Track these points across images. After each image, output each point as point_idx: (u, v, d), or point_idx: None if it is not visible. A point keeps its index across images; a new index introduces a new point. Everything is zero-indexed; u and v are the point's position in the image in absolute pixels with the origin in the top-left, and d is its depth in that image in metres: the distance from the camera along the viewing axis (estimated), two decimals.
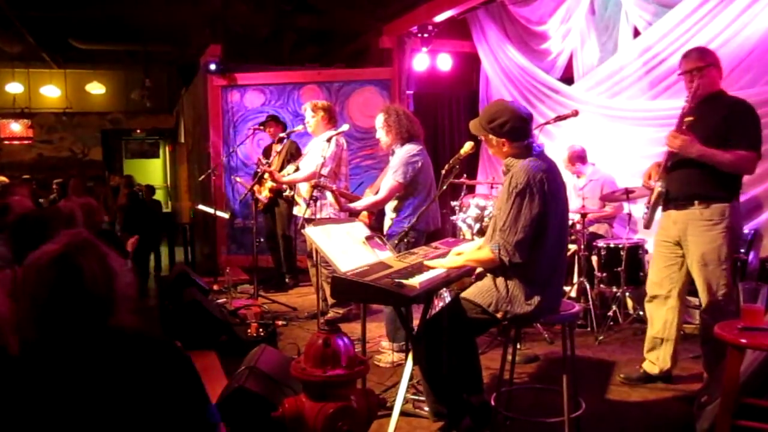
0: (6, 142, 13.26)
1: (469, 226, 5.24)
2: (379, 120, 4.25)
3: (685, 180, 3.42)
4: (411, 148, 4.16)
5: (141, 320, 1.76)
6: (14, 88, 12.70)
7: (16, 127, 13.17)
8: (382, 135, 4.26)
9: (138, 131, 15.06)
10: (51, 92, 13.01)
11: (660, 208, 3.62)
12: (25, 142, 13.40)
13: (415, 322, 3.38)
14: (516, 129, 2.79)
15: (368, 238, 3.47)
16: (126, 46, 10.77)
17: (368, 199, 4.52)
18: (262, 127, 6.58)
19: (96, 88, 13.08)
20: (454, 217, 5.55)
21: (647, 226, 3.74)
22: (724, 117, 3.35)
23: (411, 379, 3.15)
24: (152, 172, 16.00)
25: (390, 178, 4.16)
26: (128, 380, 1.58)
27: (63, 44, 10.27)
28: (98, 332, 1.63)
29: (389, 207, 4.28)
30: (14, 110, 13.07)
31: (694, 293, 3.66)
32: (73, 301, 1.60)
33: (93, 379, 1.56)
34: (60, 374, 1.56)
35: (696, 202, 3.41)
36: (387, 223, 4.29)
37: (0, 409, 1.54)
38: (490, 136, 2.83)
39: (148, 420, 1.58)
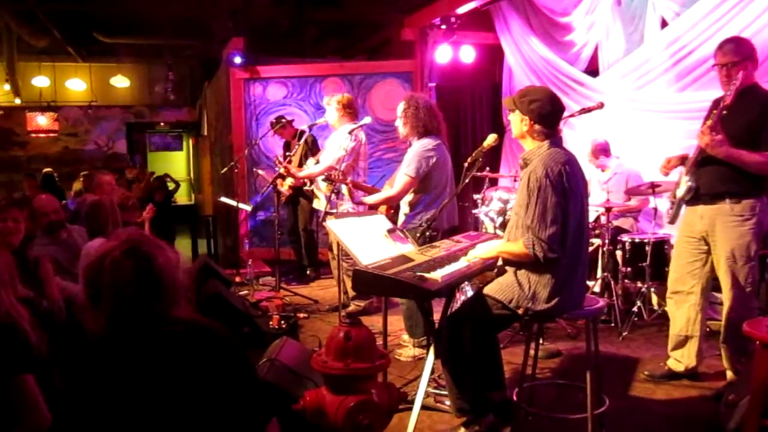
0: (32, 135, 13.49)
1: (492, 220, 5.20)
2: (400, 109, 4.18)
3: (716, 176, 3.35)
4: (426, 143, 4.06)
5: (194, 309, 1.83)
6: (40, 81, 12.88)
7: (43, 120, 13.39)
8: (400, 125, 4.20)
9: (162, 124, 15.19)
10: (76, 86, 13.17)
11: (685, 203, 3.55)
12: (51, 134, 13.60)
13: (436, 316, 3.36)
14: (543, 111, 2.77)
15: (390, 231, 3.45)
16: (150, 40, 10.84)
17: (381, 194, 4.48)
18: (272, 124, 6.56)
19: (120, 82, 13.22)
20: (476, 211, 5.50)
21: (673, 221, 3.69)
22: (759, 114, 3.24)
23: (432, 373, 3.14)
24: (175, 164, 16.15)
25: (402, 173, 4.09)
26: (188, 368, 1.67)
27: (88, 38, 10.37)
28: (164, 321, 1.69)
29: (404, 202, 4.22)
30: (40, 104, 13.26)
31: (718, 288, 3.59)
32: (151, 290, 1.67)
33: (159, 368, 1.66)
34: (133, 363, 1.66)
35: (727, 198, 3.35)
36: (401, 218, 4.25)
37: (78, 387, 1.67)
38: (517, 111, 2.83)
39: (206, 402, 1.68)
